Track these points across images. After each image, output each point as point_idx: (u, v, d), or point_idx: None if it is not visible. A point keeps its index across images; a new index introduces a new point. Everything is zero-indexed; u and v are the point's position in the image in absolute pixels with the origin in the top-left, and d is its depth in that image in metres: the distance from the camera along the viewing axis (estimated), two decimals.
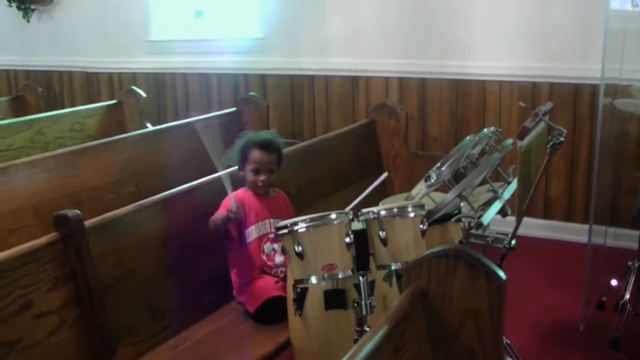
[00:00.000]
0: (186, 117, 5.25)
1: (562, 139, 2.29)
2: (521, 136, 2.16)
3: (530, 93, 4.69)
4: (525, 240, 4.65)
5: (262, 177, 2.79)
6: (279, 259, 2.74)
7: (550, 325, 3.59)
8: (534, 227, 4.76)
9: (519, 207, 2.31)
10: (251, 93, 5.08)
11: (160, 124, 5.05)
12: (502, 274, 1.79)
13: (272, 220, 2.78)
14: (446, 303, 1.84)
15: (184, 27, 6.08)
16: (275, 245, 2.74)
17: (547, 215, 4.79)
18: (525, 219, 4.73)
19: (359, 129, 4.15)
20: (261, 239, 2.76)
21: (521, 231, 4.67)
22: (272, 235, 2.75)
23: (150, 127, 4.77)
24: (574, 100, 4.56)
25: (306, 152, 3.57)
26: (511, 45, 4.71)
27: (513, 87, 4.73)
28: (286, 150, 2.99)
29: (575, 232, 4.55)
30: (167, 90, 6.07)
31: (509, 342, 3.17)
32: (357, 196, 2.41)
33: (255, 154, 2.81)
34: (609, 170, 4.29)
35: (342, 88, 5.29)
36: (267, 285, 2.65)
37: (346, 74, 5.26)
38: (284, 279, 2.64)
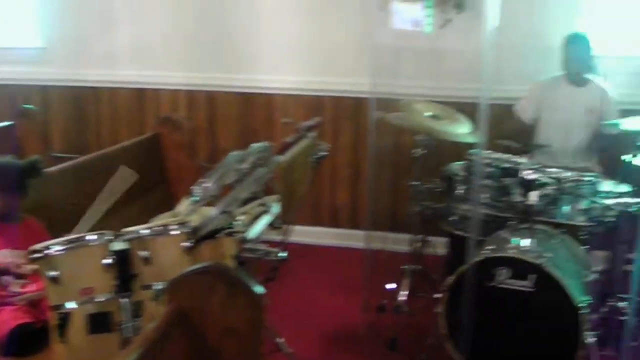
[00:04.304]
0: None
1: (324, 153, 2.37)
2: (281, 151, 2.21)
3: (315, 106, 4.85)
4: (313, 249, 4.84)
5: None
6: (15, 288, 2.59)
7: (334, 330, 3.72)
8: (322, 235, 4.93)
9: (283, 219, 2.36)
10: (25, 105, 4.79)
11: None
12: (259, 290, 1.81)
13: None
14: (207, 321, 1.83)
15: None
16: (8, 277, 2.59)
17: (334, 224, 4.98)
18: (313, 228, 4.96)
19: (143, 143, 4.05)
20: None
21: (309, 240, 4.88)
22: (1, 267, 2.59)
23: None
24: (355, 114, 4.78)
25: (82, 169, 3.42)
26: (297, 60, 4.85)
27: (299, 100, 4.87)
28: (54, 168, 2.83)
29: (360, 239, 4.74)
30: None
31: (292, 351, 3.24)
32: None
33: None
34: (387, 179, 4.54)
35: (130, 101, 5.15)
36: (6, 317, 2.49)
37: (133, 87, 5.13)
38: (31, 304, 2.52)
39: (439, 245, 4.04)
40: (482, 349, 3.06)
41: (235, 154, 2.28)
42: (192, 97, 5.04)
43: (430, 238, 4.01)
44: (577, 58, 3.99)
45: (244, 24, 4.88)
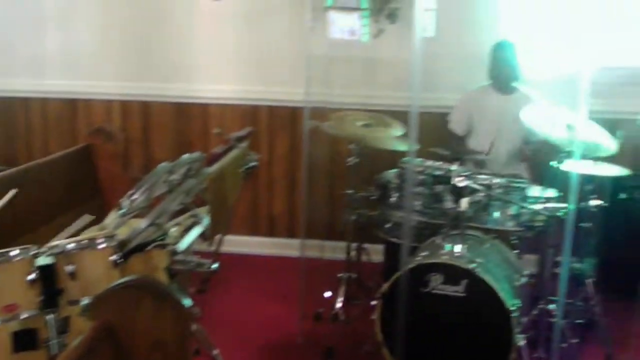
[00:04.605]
0: None
1: (254, 163, 2.37)
2: (210, 162, 2.20)
3: (250, 116, 4.84)
4: (251, 259, 4.83)
5: None
6: None
7: (270, 340, 3.70)
8: (259, 245, 4.93)
9: (213, 230, 2.34)
10: None
11: None
12: (187, 302, 1.80)
13: None
14: (133, 336, 1.81)
15: None
16: None
17: (271, 233, 4.98)
18: (250, 238, 4.94)
19: (74, 155, 3.95)
20: None
21: (246, 250, 4.87)
22: None
23: None
24: (291, 123, 4.79)
25: (10, 181, 3.31)
26: (232, 70, 4.84)
27: (234, 110, 4.86)
28: None
29: (297, 248, 4.74)
30: None
31: None
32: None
33: None
34: (323, 187, 4.57)
35: (61, 112, 5.04)
36: None
37: (65, 97, 5.02)
38: None
39: (376, 253, 4.08)
40: (417, 355, 3.09)
41: (164, 165, 2.25)
42: (126, 107, 4.97)
43: (367, 245, 4.04)
44: (504, 65, 4.07)
45: (178, 34, 4.84)
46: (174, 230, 2.48)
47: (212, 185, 2.19)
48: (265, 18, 4.74)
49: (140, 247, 2.17)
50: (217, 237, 2.51)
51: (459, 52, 4.48)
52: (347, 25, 4.63)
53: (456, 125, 4.21)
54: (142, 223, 2.15)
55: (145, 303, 1.77)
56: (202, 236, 2.47)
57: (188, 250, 2.37)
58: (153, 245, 2.19)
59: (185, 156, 2.44)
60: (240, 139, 2.45)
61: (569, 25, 4.40)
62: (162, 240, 2.45)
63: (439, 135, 4.23)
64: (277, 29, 4.73)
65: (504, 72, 4.08)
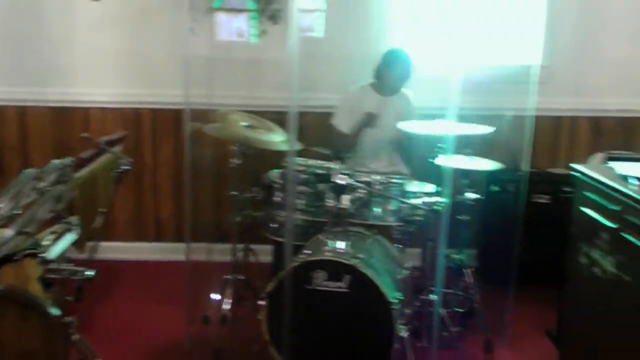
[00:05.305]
0: None
1: (126, 167, 2.34)
2: (77, 168, 2.15)
3: (133, 119, 4.75)
4: (138, 265, 4.76)
5: None
6: None
7: (158, 346, 3.66)
8: (146, 250, 4.85)
9: (85, 236, 2.30)
10: None
11: None
12: (54, 311, 1.76)
13: None
14: None
15: None
16: None
17: (158, 238, 4.90)
18: (137, 244, 4.86)
19: None
20: None
21: (133, 256, 4.78)
22: None
23: None
24: (175, 126, 4.73)
25: None
26: (113, 72, 4.72)
27: (116, 114, 4.75)
28: None
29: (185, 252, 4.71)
30: None
31: None
32: None
33: None
34: (209, 190, 4.54)
35: None
36: None
37: None
38: None
39: (265, 253, 4.09)
40: (304, 351, 3.13)
41: (30, 171, 2.18)
42: (1, 113, 4.76)
43: (256, 246, 4.05)
44: (397, 77, 4.15)
45: (56, 35, 4.67)
46: (48, 239, 2.40)
47: (80, 190, 2.14)
48: (146, 19, 4.65)
49: (8, 257, 2.09)
50: (91, 244, 2.45)
51: (347, 53, 4.55)
52: (235, 27, 4.64)
53: (341, 122, 4.25)
54: (8, 232, 2.06)
55: (10, 313, 1.73)
56: (76, 243, 2.41)
57: (61, 258, 2.30)
58: (22, 254, 2.11)
59: (55, 162, 2.36)
60: (111, 143, 2.40)
61: (447, 26, 4.56)
62: (33, 249, 2.37)
63: (321, 134, 4.29)
64: (159, 30, 4.65)
65: (394, 82, 4.17)
